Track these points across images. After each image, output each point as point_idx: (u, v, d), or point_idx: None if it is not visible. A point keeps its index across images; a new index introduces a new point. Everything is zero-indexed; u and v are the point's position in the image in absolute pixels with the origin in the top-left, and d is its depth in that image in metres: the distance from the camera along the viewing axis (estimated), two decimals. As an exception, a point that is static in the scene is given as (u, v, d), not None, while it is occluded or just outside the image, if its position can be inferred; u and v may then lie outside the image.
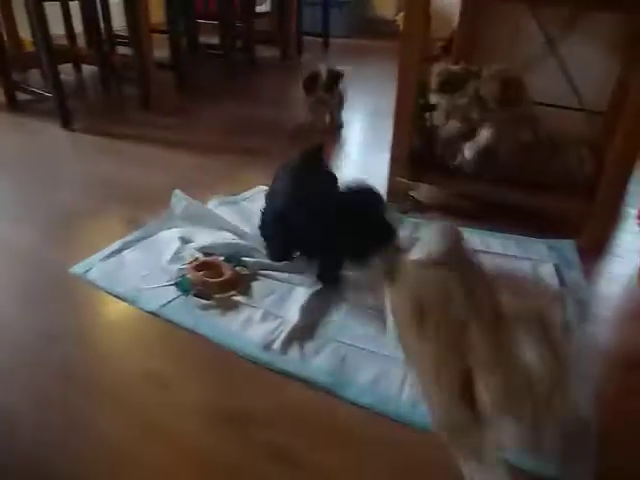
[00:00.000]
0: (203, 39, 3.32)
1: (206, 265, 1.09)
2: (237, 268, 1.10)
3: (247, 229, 1.26)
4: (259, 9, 3.53)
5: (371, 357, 0.90)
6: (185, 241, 1.21)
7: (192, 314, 1.00)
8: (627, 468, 0.74)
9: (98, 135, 1.98)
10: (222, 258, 1.13)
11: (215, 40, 3.15)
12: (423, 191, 1.48)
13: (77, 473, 0.72)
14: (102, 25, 2.66)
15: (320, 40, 3.83)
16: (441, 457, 0.68)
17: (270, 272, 1.12)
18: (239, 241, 1.20)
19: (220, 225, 1.26)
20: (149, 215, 1.33)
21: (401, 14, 1.40)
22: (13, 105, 2.25)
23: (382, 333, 0.94)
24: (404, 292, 0.85)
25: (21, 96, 2.27)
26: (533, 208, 1.38)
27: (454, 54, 1.86)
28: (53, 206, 1.43)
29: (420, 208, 1.45)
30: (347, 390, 0.84)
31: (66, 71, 2.61)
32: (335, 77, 2.02)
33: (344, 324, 0.99)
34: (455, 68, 1.52)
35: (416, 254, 0.90)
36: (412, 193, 1.48)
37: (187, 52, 3.17)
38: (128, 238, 1.24)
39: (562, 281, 1.14)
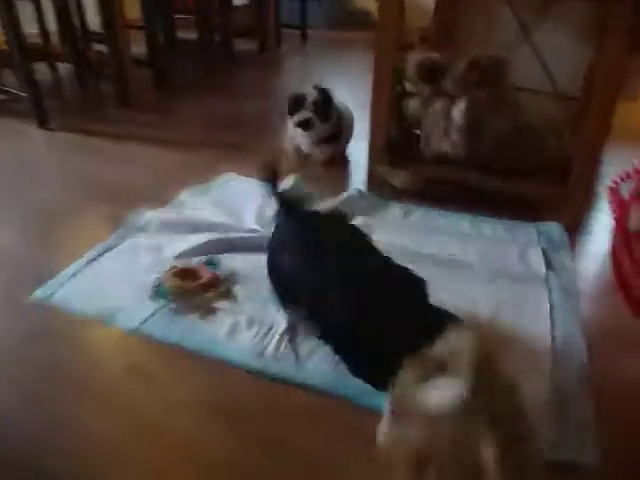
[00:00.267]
0: (181, 34, 3.28)
1: (183, 272, 1.07)
2: (217, 272, 1.09)
3: (222, 219, 1.29)
4: (237, 2, 3.49)
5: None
6: (159, 251, 1.18)
7: (175, 327, 0.96)
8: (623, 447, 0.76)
9: (76, 133, 1.96)
10: (203, 260, 1.13)
11: (193, 35, 3.12)
12: (402, 178, 1.50)
13: (66, 469, 0.72)
14: (76, 22, 2.62)
15: (298, 32, 3.81)
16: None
17: (249, 272, 1.10)
18: (218, 236, 1.21)
19: (194, 227, 1.26)
20: (130, 213, 1.33)
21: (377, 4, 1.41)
22: (-13, 106, 2.21)
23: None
24: (408, 441, 0.61)
25: (-4, 96, 2.23)
26: (512, 194, 1.40)
27: (432, 42, 1.87)
28: (32, 206, 1.42)
29: (399, 194, 1.47)
30: (346, 391, 0.83)
31: (41, 70, 2.56)
32: (327, 98, 1.66)
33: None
34: (435, 56, 1.53)
35: (436, 396, 0.60)
36: (391, 180, 1.50)
37: (165, 48, 3.13)
38: (95, 251, 1.18)
39: (549, 265, 1.16)
